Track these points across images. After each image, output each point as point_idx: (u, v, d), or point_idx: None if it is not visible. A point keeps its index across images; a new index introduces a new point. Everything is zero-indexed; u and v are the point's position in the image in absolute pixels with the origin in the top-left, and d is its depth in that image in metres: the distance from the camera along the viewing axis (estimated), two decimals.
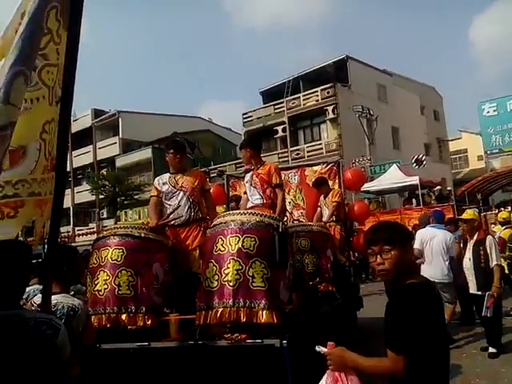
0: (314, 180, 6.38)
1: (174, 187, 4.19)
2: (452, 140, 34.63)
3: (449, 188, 20.50)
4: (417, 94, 30.02)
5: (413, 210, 15.10)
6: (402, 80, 29.48)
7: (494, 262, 5.34)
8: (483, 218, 13.59)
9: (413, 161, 19.58)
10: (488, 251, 5.39)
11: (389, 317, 1.83)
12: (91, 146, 36.43)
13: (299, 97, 25.91)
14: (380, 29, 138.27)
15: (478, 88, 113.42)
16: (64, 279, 2.38)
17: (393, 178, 17.66)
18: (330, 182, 6.45)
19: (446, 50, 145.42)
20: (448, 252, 5.83)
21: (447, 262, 5.79)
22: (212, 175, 23.30)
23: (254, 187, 4.61)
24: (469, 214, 5.81)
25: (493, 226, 8.15)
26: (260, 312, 3.21)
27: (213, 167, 26.25)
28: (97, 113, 36.66)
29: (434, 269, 5.66)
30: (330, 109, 24.34)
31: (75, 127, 37.84)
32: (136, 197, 28.37)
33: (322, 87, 24.73)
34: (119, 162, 34.05)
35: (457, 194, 17.49)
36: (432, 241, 5.88)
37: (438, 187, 17.61)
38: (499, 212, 9.96)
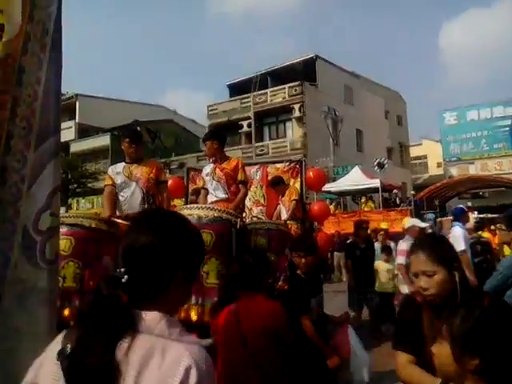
0: (269, 180, 6.34)
1: (128, 178, 4.01)
2: (413, 146, 35.75)
3: (412, 192, 21.14)
4: (382, 99, 30.69)
5: (372, 213, 15.41)
6: (368, 83, 30.02)
7: None
8: (439, 223, 14.08)
9: (375, 164, 20.01)
10: None
11: None
12: None
13: (266, 93, 25.86)
14: (350, 31, 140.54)
15: (440, 96, 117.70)
16: None
17: (355, 179, 17.97)
18: (292, 181, 6.42)
19: (414, 58, 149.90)
20: None
21: None
22: (173, 167, 22.94)
23: (218, 181, 4.49)
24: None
25: (448, 232, 8.45)
26: None
27: (174, 158, 25.82)
28: None
29: None
30: (296, 107, 24.44)
31: None
32: (90, 185, 27.42)
33: (290, 85, 24.76)
34: (74, 148, 32.66)
35: (415, 199, 18.05)
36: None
37: (395, 191, 18.14)
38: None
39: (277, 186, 6.12)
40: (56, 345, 1.00)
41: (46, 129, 1.60)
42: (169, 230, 1.06)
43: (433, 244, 1.89)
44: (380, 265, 6.89)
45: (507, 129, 27.59)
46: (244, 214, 4.98)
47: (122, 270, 0.99)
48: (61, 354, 0.94)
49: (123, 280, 0.98)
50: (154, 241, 1.02)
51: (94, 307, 0.97)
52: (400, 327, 1.95)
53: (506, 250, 6.72)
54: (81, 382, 0.90)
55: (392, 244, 7.69)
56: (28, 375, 1.02)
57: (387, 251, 7.08)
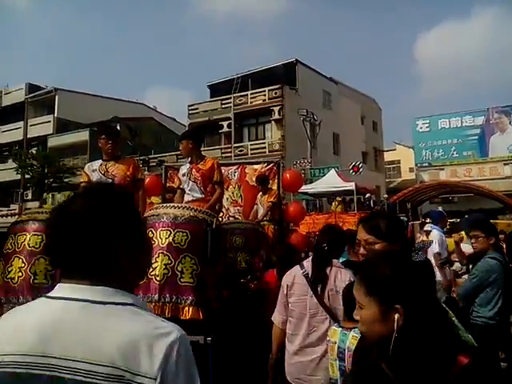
0: (257, 176, 6.40)
1: (104, 175, 3.99)
2: (387, 151, 36.43)
3: (385, 195, 21.58)
4: (358, 104, 31.16)
5: (347, 214, 15.65)
6: (346, 89, 30.47)
7: None
8: (411, 226, 14.40)
9: (350, 167, 20.30)
10: None
11: None
12: (22, 122, 34.01)
13: (247, 94, 25.94)
14: (330, 38, 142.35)
15: (414, 104, 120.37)
16: None
17: (331, 182, 18.21)
18: (270, 182, 6.50)
19: (390, 67, 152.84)
20: None
21: None
22: (152, 164, 22.72)
23: (194, 182, 4.48)
24: None
25: (418, 235, 8.63)
26: (186, 308, 3.14)
27: (153, 156, 25.57)
28: (32, 88, 34.22)
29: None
30: (276, 109, 24.60)
31: (6, 101, 35.20)
32: (67, 180, 26.96)
33: (270, 87, 24.92)
34: (52, 142, 32.02)
35: (389, 202, 18.42)
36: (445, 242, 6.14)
37: (368, 195, 18.48)
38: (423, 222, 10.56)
39: (262, 183, 6.20)
40: (297, 267, 2.81)
41: None
42: (336, 238, 2.93)
43: (371, 266, 1.22)
44: None
45: (476, 137, 28.44)
46: (221, 214, 5.01)
47: (325, 244, 2.71)
48: (304, 272, 2.72)
49: (325, 248, 2.71)
50: (330, 243, 2.75)
51: (316, 256, 2.77)
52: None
53: None
54: (315, 283, 2.67)
55: None
56: (287, 280, 2.80)
57: None
